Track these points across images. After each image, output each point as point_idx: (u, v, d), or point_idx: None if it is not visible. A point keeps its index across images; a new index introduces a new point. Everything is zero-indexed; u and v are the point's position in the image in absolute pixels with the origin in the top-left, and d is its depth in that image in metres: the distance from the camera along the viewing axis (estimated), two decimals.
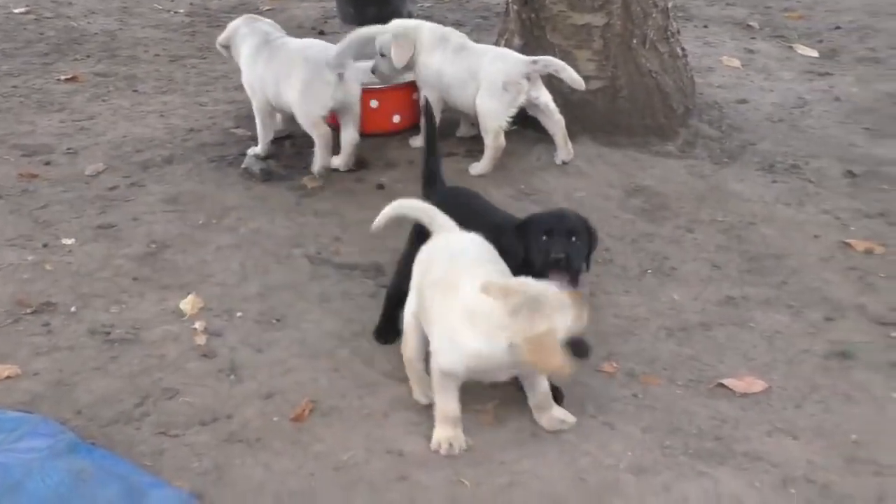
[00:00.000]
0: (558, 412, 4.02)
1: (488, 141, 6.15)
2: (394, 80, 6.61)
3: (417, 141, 6.35)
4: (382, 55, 6.44)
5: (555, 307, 3.62)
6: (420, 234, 4.45)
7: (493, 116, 6.09)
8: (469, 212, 4.64)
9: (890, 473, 3.83)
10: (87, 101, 7.60)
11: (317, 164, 6.20)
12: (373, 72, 6.54)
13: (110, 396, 4.22)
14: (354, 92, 6.23)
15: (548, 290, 3.69)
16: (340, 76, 6.13)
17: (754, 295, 5.04)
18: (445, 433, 3.87)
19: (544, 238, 4.29)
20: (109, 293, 5.00)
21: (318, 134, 6.14)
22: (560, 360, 3.56)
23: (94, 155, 6.59)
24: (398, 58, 6.35)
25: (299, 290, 5.03)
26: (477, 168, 6.14)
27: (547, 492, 3.70)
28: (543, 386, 3.98)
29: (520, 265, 4.21)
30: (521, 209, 5.66)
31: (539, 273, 4.10)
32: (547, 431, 3.98)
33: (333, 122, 6.41)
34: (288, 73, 6.16)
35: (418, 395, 4.14)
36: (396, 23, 6.65)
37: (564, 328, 3.64)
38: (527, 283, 3.74)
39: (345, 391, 4.23)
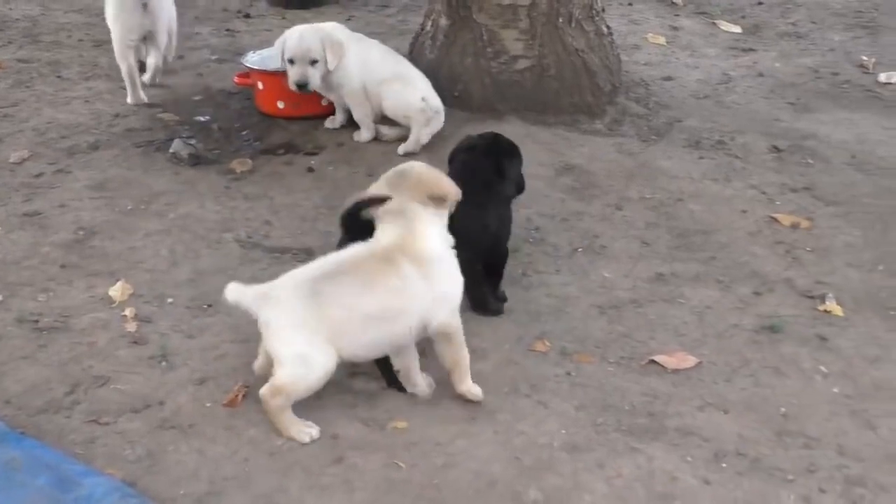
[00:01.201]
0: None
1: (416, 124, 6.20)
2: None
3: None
4: (314, 61, 6.12)
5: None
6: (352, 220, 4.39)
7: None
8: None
9: (818, 446, 3.88)
10: (9, 88, 7.48)
11: (129, 97, 7.12)
12: (300, 87, 6.13)
13: (39, 385, 4.17)
14: (157, 20, 7.11)
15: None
16: (145, 6, 6.96)
17: (684, 271, 5.07)
18: (476, 386, 4.06)
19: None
20: (37, 281, 4.93)
21: (126, 66, 7.04)
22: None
23: (18, 142, 6.49)
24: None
25: (230, 274, 4.97)
26: (404, 148, 6.11)
27: (482, 471, 3.70)
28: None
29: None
30: None
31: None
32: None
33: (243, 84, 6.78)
34: (106, 4, 7.19)
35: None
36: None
37: None
38: None
39: None
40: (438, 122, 6.25)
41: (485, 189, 4.63)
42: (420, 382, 4.08)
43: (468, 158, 4.76)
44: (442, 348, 3.99)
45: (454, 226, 4.15)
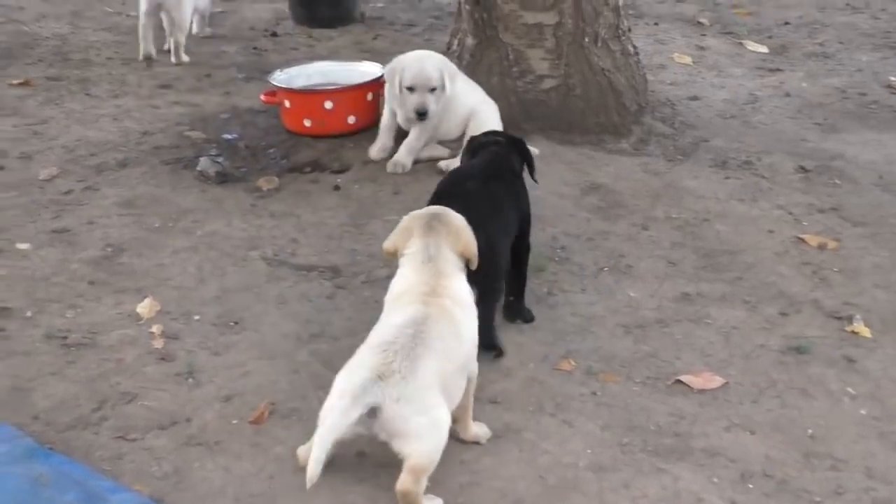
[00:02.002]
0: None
1: None
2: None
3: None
4: (433, 89, 6.09)
5: None
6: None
7: None
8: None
9: (846, 468, 3.86)
10: (39, 106, 7.54)
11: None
12: (420, 115, 6.07)
13: (68, 401, 4.18)
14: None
15: None
16: None
17: (710, 291, 5.06)
18: (481, 428, 3.94)
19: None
20: (65, 298, 4.96)
21: (140, 26, 8.47)
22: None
23: (47, 159, 6.53)
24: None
25: (257, 292, 5.01)
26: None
27: (507, 490, 3.69)
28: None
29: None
30: None
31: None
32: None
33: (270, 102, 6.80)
34: None
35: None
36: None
37: None
38: None
39: (304, 393, 4.21)
40: None
41: (515, 178, 4.85)
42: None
43: (499, 149, 4.92)
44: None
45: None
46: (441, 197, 4.51)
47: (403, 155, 6.22)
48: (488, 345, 4.37)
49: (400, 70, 6.07)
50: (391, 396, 3.39)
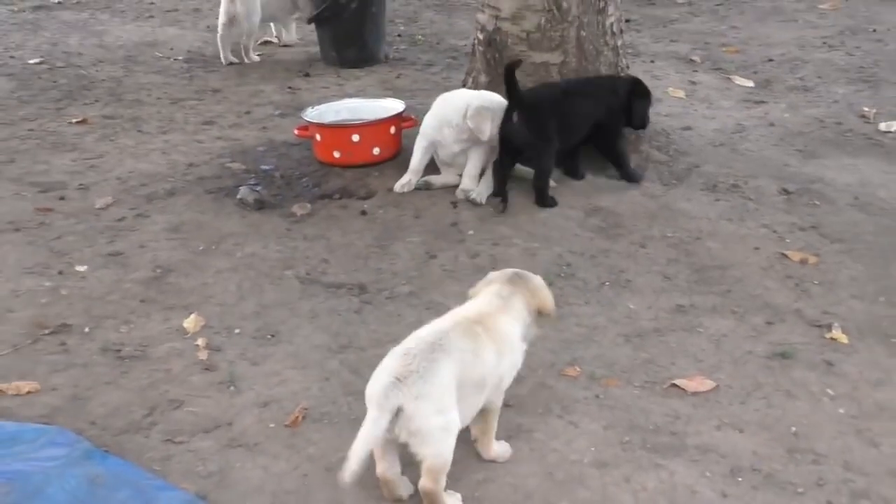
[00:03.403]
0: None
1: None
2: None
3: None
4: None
5: None
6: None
7: None
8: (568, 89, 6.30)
9: (826, 462, 3.84)
10: (96, 142, 7.57)
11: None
12: None
13: (121, 408, 4.20)
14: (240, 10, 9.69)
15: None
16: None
17: (702, 303, 5.04)
18: (502, 447, 3.87)
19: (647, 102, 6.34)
20: (119, 314, 4.97)
21: (219, 36, 9.84)
22: None
23: (103, 190, 6.56)
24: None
25: (291, 307, 5.01)
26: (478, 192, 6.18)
27: (519, 486, 3.69)
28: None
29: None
30: (490, 229, 5.70)
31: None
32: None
33: (303, 135, 6.87)
34: None
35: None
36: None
37: None
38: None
39: (334, 398, 4.21)
40: None
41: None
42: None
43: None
44: (478, 419, 3.76)
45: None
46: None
47: (468, 182, 6.24)
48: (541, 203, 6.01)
49: (494, 113, 6.04)
50: (411, 394, 3.35)
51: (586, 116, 6.26)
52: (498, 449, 3.84)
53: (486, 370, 3.61)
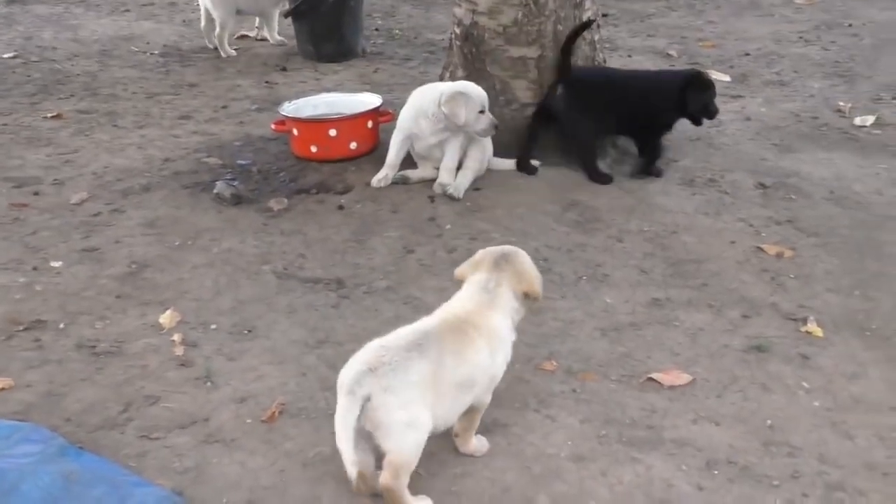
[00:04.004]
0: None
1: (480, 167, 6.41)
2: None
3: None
4: (482, 111, 6.13)
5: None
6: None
7: None
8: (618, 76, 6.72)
9: (801, 454, 3.86)
10: (71, 136, 7.54)
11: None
12: (497, 128, 6.17)
13: (97, 404, 4.18)
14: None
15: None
16: None
17: (678, 296, 5.06)
18: (481, 442, 3.85)
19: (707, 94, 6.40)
20: (94, 310, 4.96)
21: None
22: None
23: (78, 185, 6.54)
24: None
25: (268, 303, 5.00)
26: (456, 189, 6.16)
27: (496, 479, 3.69)
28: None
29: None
30: (467, 224, 5.70)
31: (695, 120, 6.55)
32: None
33: (280, 130, 6.87)
34: None
35: None
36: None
37: None
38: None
39: (311, 393, 4.21)
40: None
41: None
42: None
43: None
44: (463, 415, 3.72)
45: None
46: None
47: (445, 176, 6.25)
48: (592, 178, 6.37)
49: (468, 98, 6.04)
50: (380, 385, 3.33)
51: (635, 106, 6.40)
52: (476, 444, 3.84)
53: (474, 371, 3.59)
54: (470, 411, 3.72)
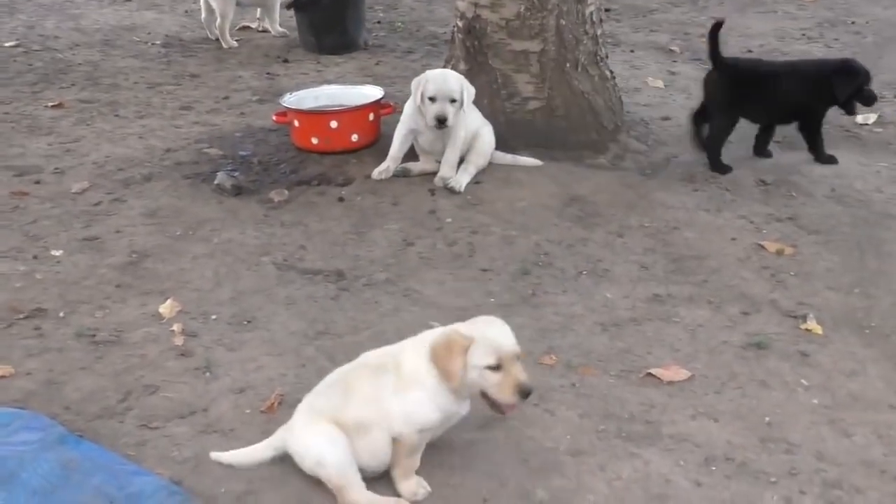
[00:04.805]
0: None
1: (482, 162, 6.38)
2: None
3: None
4: (453, 100, 6.12)
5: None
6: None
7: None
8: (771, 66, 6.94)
9: (799, 451, 3.87)
10: (72, 126, 7.54)
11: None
12: (441, 122, 6.09)
13: (96, 393, 4.19)
14: None
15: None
16: None
17: (678, 292, 5.06)
18: (412, 485, 3.61)
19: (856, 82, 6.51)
20: (95, 299, 4.96)
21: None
22: (455, 367, 3.42)
23: (79, 174, 6.54)
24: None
25: (268, 294, 5.01)
26: (458, 181, 6.18)
27: (495, 473, 3.70)
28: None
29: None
30: (467, 217, 5.71)
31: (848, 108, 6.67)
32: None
33: (281, 122, 6.85)
34: None
35: None
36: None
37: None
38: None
39: (310, 385, 4.15)
40: None
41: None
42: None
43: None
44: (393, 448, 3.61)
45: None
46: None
47: (447, 170, 6.25)
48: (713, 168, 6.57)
49: (424, 82, 6.10)
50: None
51: (787, 96, 6.62)
52: (409, 486, 3.62)
53: (365, 410, 3.56)
54: (396, 448, 3.61)
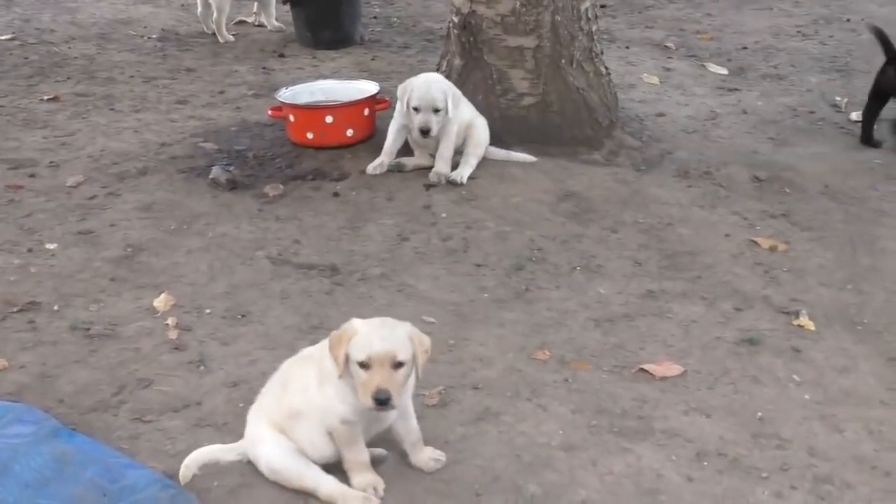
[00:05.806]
0: (430, 451, 3.74)
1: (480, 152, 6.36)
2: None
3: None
4: (437, 110, 6.11)
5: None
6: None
7: None
8: None
9: (791, 447, 3.87)
10: (68, 119, 7.54)
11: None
12: (424, 133, 6.10)
13: (90, 386, 4.19)
14: None
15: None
16: None
17: (672, 288, 5.07)
18: (366, 479, 3.58)
19: None
20: (89, 293, 4.97)
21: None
22: (338, 356, 3.42)
23: (74, 168, 6.54)
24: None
25: (262, 288, 5.01)
26: (460, 174, 6.18)
27: (487, 467, 3.71)
28: (414, 425, 3.73)
29: None
30: (462, 213, 5.71)
31: None
32: (425, 471, 3.70)
33: (277, 116, 6.80)
34: None
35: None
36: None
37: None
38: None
39: None
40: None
41: None
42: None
43: None
44: None
45: None
46: None
47: (441, 166, 6.24)
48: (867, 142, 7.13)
49: (409, 91, 6.09)
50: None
51: None
52: (358, 481, 3.57)
53: (297, 399, 3.62)
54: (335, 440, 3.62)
